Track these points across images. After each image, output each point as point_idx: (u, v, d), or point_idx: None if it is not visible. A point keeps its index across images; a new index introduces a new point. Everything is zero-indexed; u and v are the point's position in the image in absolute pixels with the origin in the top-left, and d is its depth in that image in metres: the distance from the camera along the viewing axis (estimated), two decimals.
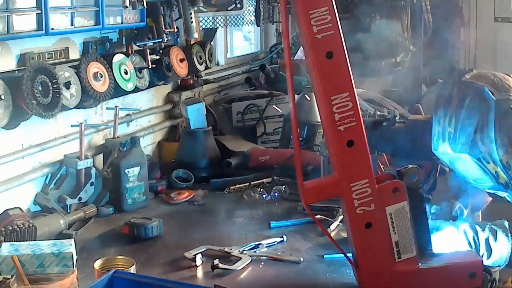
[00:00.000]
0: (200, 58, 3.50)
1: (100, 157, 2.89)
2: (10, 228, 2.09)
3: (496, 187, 2.15)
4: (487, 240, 2.07)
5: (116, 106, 2.91)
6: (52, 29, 2.36)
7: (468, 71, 2.36)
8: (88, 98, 2.65)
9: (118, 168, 2.70)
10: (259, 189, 2.93)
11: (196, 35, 3.45)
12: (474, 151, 2.10)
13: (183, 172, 3.09)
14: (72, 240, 1.92)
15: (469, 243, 2.09)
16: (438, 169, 2.67)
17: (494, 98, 2.09)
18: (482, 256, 2.06)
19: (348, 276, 2.02)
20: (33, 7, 2.27)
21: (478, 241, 2.07)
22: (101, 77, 2.67)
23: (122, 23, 2.80)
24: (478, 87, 2.15)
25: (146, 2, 2.84)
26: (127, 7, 2.75)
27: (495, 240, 2.06)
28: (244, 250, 2.21)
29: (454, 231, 2.12)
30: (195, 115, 3.35)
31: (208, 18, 3.96)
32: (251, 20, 4.53)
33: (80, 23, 2.53)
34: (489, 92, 2.11)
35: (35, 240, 2.10)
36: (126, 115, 3.11)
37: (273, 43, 4.98)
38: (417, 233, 1.86)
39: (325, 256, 2.19)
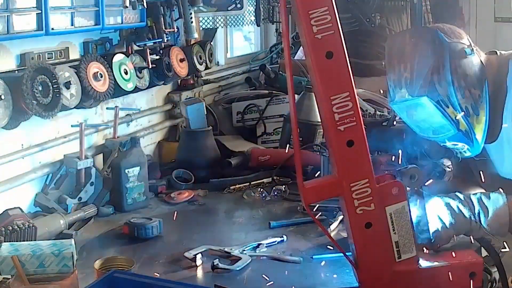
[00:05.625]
0: (200, 58, 3.50)
1: (100, 157, 2.89)
2: (10, 228, 2.09)
3: (458, 136, 2.16)
4: (479, 199, 2.03)
5: (116, 106, 2.91)
6: (52, 29, 2.36)
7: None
8: (88, 98, 2.65)
9: (118, 168, 2.70)
10: (259, 189, 2.92)
11: (196, 35, 3.45)
12: (432, 93, 2.12)
13: (183, 172, 3.09)
14: (72, 240, 1.93)
15: (459, 209, 2.02)
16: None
17: (448, 41, 2.12)
18: (479, 214, 2.00)
19: (348, 276, 2.02)
20: (33, 7, 2.27)
21: (471, 201, 2.02)
22: (101, 77, 2.68)
23: (122, 23, 2.80)
24: (431, 30, 2.20)
25: (146, 2, 2.84)
26: (127, 7, 2.75)
27: (489, 198, 2.03)
28: (244, 250, 2.21)
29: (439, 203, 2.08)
30: (195, 115, 3.35)
31: (208, 18, 3.96)
32: (251, 20, 4.53)
33: (80, 23, 2.53)
34: (442, 35, 2.14)
35: (35, 240, 2.11)
36: (126, 115, 3.11)
37: (273, 43, 4.98)
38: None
39: (314, 256, 2.19)
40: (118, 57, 2.84)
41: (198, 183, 3.04)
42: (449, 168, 2.63)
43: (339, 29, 1.72)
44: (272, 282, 2.00)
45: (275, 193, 2.88)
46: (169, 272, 2.10)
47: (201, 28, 3.90)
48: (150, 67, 3.08)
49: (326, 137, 1.88)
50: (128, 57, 2.93)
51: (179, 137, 3.46)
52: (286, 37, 1.86)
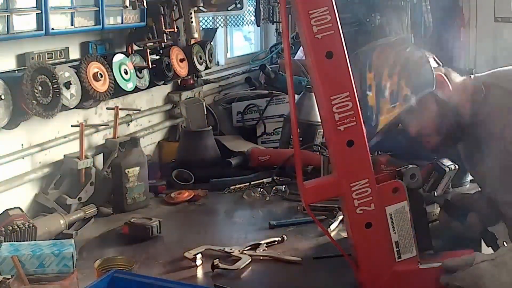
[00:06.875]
0: (200, 58, 3.50)
1: (100, 157, 2.89)
2: (10, 228, 2.09)
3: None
4: None
5: (116, 106, 2.91)
6: (52, 29, 2.36)
7: (469, 71, 2.35)
8: (88, 98, 2.65)
9: (118, 168, 2.69)
10: (259, 189, 2.92)
11: (196, 35, 3.45)
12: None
13: (183, 172, 3.09)
14: (72, 240, 1.93)
15: None
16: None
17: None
18: None
19: (348, 276, 2.02)
20: (33, 7, 2.27)
21: None
22: (101, 77, 2.67)
23: (122, 23, 2.80)
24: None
25: (146, 2, 2.84)
26: (127, 7, 2.75)
27: None
28: (244, 250, 2.21)
29: None
30: (195, 115, 3.35)
31: (208, 18, 3.97)
32: (251, 20, 4.54)
33: (80, 23, 2.53)
34: None
35: (35, 240, 2.11)
36: (126, 115, 3.11)
37: (273, 43, 4.98)
38: (417, 233, 1.86)
39: (314, 257, 2.19)
40: (118, 57, 2.84)
41: (198, 183, 3.04)
42: (449, 168, 2.63)
43: (339, 29, 1.72)
44: None
45: (275, 193, 2.88)
46: (169, 272, 2.10)
47: (201, 28, 3.90)
48: (150, 67, 3.08)
49: (326, 137, 1.88)
50: (128, 57, 2.93)
51: (179, 137, 3.46)
52: (286, 37, 1.87)
